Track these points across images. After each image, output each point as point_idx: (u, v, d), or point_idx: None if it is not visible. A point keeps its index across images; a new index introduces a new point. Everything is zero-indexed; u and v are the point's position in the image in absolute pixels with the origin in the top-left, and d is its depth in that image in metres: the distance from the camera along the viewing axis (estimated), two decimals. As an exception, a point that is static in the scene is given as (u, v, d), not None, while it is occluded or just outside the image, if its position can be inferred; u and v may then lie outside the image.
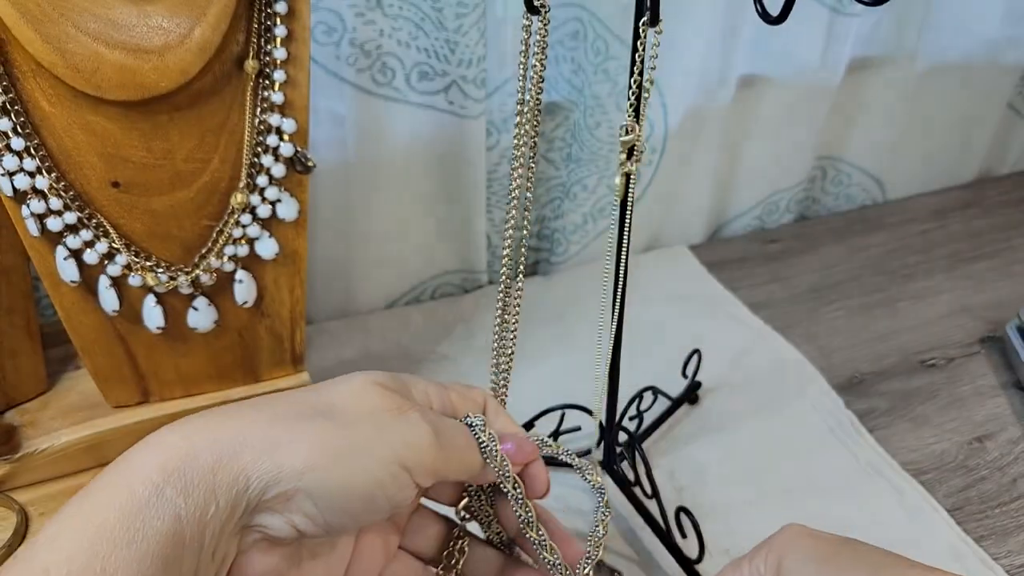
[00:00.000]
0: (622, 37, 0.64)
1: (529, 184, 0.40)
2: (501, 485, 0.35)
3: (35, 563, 0.25)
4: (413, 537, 0.37)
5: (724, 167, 0.79)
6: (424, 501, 0.38)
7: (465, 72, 0.61)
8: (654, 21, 0.37)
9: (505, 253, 0.40)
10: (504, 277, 0.40)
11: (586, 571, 0.36)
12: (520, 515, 0.35)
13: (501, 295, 0.41)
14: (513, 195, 0.39)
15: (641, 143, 0.39)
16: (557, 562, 0.35)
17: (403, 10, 0.58)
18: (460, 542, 0.38)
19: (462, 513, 0.38)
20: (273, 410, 0.30)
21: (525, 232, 0.41)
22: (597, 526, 0.37)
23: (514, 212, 0.39)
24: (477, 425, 0.35)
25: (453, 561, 0.37)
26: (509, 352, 0.41)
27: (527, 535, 0.35)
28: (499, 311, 0.41)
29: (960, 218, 0.85)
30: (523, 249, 0.40)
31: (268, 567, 0.30)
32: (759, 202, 0.83)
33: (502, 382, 0.42)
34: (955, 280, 0.76)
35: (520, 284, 0.40)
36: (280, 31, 0.42)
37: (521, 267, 0.40)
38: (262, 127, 0.43)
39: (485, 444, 0.34)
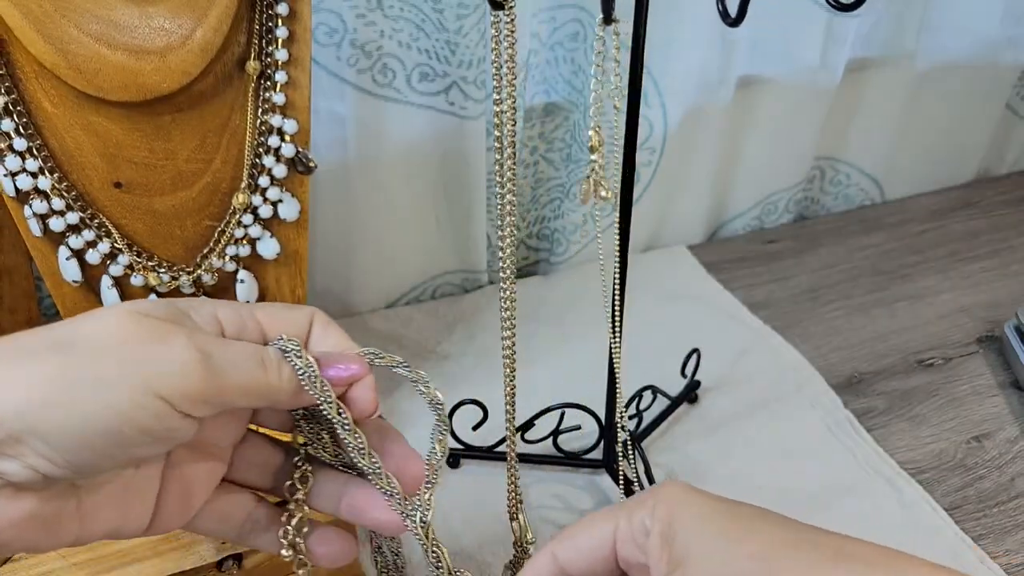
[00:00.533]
0: (621, 38, 0.64)
1: (511, 186, 0.39)
2: (324, 411, 0.32)
3: None
4: (243, 469, 0.34)
5: (723, 167, 0.79)
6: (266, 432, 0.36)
7: (465, 73, 0.61)
8: (608, 20, 0.37)
9: (501, 256, 0.40)
10: (501, 280, 0.40)
11: (427, 496, 0.33)
12: (349, 442, 0.32)
13: (502, 298, 0.41)
14: (507, 197, 0.39)
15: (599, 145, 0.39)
16: (395, 492, 0.33)
17: (404, 11, 0.58)
18: (301, 469, 0.34)
19: (298, 440, 0.35)
20: None
21: (513, 232, 0.40)
22: (433, 447, 0.34)
23: (510, 218, 0.39)
24: (291, 349, 0.31)
25: (297, 493, 0.34)
26: (510, 354, 0.41)
27: (359, 464, 0.33)
28: (504, 313, 0.41)
29: (958, 218, 0.86)
30: (513, 250, 0.40)
31: (24, 512, 0.27)
32: (758, 202, 0.83)
33: (509, 382, 0.42)
34: (953, 280, 0.76)
35: (513, 287, 0.40)
36: (281, 32, 0.42)
37: (511, 269, 0.40)
38: (263, 128, 0.44)
39: (300, 369, 0.31)
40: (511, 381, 0.42)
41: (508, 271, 0.40)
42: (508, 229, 0.39)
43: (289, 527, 0.34)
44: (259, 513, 0.34)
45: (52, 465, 0.26)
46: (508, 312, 0.40)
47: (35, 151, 0.41)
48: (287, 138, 0.44)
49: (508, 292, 0.40)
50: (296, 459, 0.35)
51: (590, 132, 0.38)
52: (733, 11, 0.37)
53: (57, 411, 0.26)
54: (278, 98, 0.43)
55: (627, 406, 0.56)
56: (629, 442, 0.50)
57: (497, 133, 0.38)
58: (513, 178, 0.39)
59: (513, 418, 0.42)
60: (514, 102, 0.37)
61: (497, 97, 0.37)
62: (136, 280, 0.45)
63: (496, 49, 0.36)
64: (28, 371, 0.26)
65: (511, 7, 0.35)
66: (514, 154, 0.38)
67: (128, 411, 0.27)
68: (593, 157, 0.39)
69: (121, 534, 0.31)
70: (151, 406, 0.27)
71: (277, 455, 0.35)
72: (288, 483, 0.34)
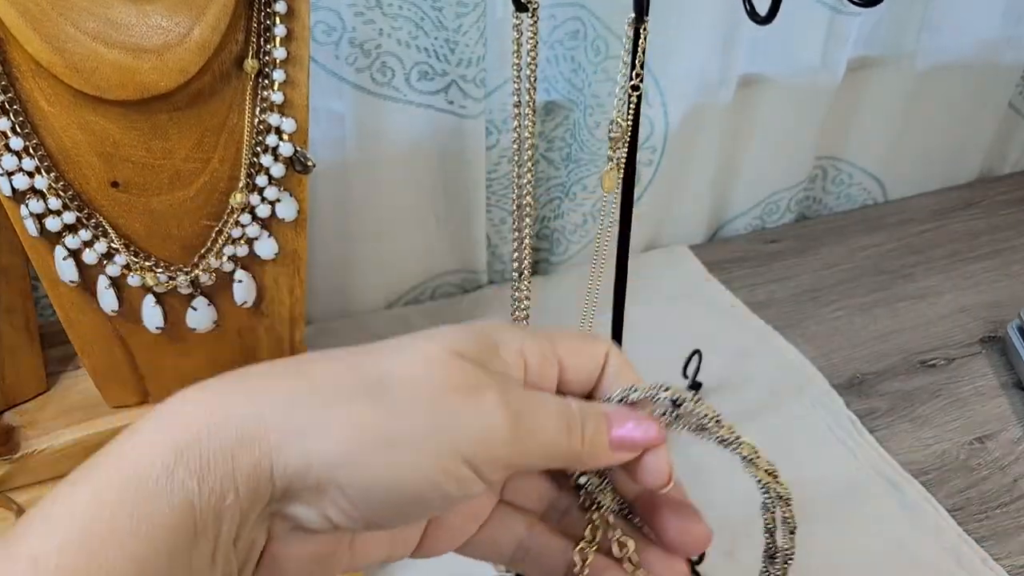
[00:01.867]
0: (622, 36, 0.64)
1: (530, 188, 0.39)
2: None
3: (21, 549, 0.22)
4: (514, 493, 0.32)
5: (724, 167, 0.79)
6: None
7: (464, 72, 0.61)
8: (639, 19, 0.37)
9: (516, 257, 0.40)
10: (514, 279, 0.40)
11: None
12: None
13: (513, 297, 0.41)
14: (525, 199, 0.39)
15: (624, 136, 0.39)
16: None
17: (403, 10, 0.58)
18: (595, 511, 0.31)
19: (579, 480, 0.32)
20: (311, 379, 0.25)
21: (527, 232, 0.40)
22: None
23: (528, 220, 0.39)
24: (690, 406, 0.29)
25: (588, 550, 0.31)
26: None
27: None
28: (513, 312, 0.41)
29: (960, 218, 0.85)
30: (529, 251, 0.40)
31: (306, 552, 0.26)
32: (759, 202, 0.83)
33: None
34: (955, 280, 0.75)
35: (528, 284, 0.40)
36: (279, 30, 0.42)
37: (527, 268, 0.40)
38: (261, 127, 0.43)
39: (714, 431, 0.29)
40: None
41: (524, 272, 0.40)
42: (526, 231, 0.39)
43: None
44: (532, 541, 0.31)
45: (348, 518, 0.25)
46: (524, 313, 0.40)
47: (32, 150, 0.40)
48: (285, 137, 0.44)
49: (523, 292, 0.40)
50: (582, 497, 0.32)
51: (611, 124, 0.38)
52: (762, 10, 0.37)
53: (366, 468, 0.24)
54: (276, 97, 0.43)
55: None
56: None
57: (515, 135, 0.38)
58: (532, 180, 0.39)
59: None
60: (534, 104, 0.38)
61: (516, 99, 0.37)
62: (133, 280, 0.44)
63: (517, 51, 0.36)
64: (343, 418, 0.24)
65: (535, 9, 0.36)
66: (532, 156, 0.38)
67: (435, 476, 0.25)
68: (618, 147, 0.39)
69: (388, 560, 0.30)
70: (457, 472, 0.25)
71: (550, 486, 0.32)
72: (588, 525, 0.31)
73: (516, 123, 0.38)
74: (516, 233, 0.39)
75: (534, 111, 0.38)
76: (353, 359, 0.26)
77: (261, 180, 0.44)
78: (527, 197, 0.39)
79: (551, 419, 0.27)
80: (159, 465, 0.23)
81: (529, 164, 0.39)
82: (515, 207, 0.39)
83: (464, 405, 0.25)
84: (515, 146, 0.38)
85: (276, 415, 0.24)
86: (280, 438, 0.24)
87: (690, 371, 0.61)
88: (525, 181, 0.39)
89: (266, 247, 0.46)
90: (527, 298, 0.40)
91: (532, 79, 0.37)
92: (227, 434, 0.23)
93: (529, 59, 0.37)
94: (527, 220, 0.39)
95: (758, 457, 0.30)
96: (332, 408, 0.24)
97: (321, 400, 0.25)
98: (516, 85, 0.37)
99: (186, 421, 0.24)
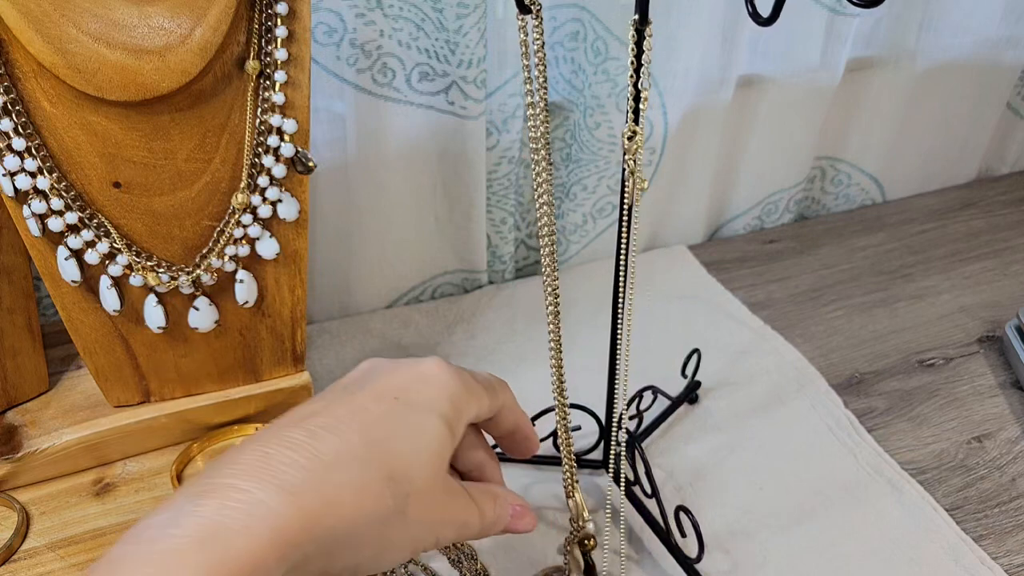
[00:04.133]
0: (622, 38, 0.64)
1: (548, 187, 0.40)
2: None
3: None
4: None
5: (723, 167, 0.79)
6: None
7: (465, 73, 0.61)
8: (643, 21, 0.37)
9: (543, 253, 0.41)
10: (544, 274, 0.41)
11: None
12: None
13: (548, 294, 0.42)
14: (540, 199, 0.40)
15: (639, 143, 0.39)
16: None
17: (403, 11, 0.58)
18: None
19: None
20: None
21: (552, 232, 0.41)
22: None
23: (546, 219, 0.40)
24: None
25: None
26: (557, 348, 0.43)
27: None
28: (548, 308, 0.42)
29: (959, 218, 0.86)
30: (552, 246, 0.41)
31: None
32: (758, 202, 0.83)
33: (557, 365, 0.43)
34: (954, 280, 0.76)
35: (556, 281, 0.42)
36: (281, 32, 0.42)
37: (551, 266, 0.41)
38: (263, 127, 0.44)
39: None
40: (558, 362, 0.43)
41: (549, 267, 0.41)
42: (546, 229, 0.40)
43: None
44: None
45: None
46: (552, 305, 0.42)
47: (34, 151, 0.41)
48: (286, 138, 0.44)
49: (551, 287, 0.41)
50: None
51: (624, 133, 0.39)
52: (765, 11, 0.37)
53: None
54: (277, 97, 0.43)
55: (627, 406, 0.56)
56: (632, 443, 0.50)
57: (532, 134, 0.39)
58: (549, 179, 0.40)
59: (564, 395, 0.44)
60: (546, 104, 0.38)
61: (530, 100, 0.38)
62: (135, 280, 0.44)
63: (525, 52, 0.37)
64: None
65: (539, 10, 0.36)
66: (548, 155, 0.39)
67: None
68: (636, 155, 0.40)
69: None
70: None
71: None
72: None
73: (530, 122, 0.39)
74: (545, 229, 0.41)
75: (547, 110, 0.38)
76: None
77: (262, 180, 0.45)
78: (545, 196, 0.40)
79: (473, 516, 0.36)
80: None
81: (545, 163, 0.39)
82: (537, 205, 0.40)
83: None
84: (532, 145, 0.39)
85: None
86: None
87: (689, 370, 0.61)
88: (543, 180, 0.40)
89: (267, 247, 0.46)
90: (554, 292, 0.42)
91: (541, 79, 0.38)
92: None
93: (537, 60, 0.37)
94: (547, 219, 0.40)
95: None
96: None
97: None
98: (528, 86, 0.38)
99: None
